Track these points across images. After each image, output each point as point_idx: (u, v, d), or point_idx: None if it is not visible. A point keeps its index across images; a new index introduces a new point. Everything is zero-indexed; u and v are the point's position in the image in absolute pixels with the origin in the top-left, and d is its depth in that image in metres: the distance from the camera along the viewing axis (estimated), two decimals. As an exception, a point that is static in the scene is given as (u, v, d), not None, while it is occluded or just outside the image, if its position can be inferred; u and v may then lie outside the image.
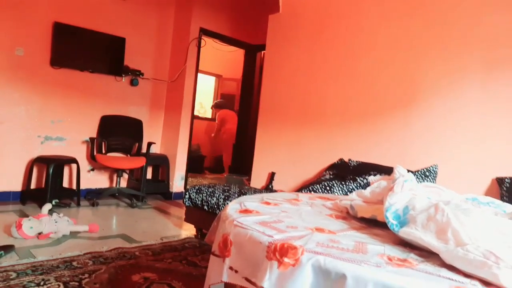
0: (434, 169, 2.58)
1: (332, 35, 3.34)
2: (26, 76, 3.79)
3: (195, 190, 3.06)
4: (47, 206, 3.03)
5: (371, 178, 1.62)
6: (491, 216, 1.22)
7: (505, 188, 2.27)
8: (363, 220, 1.42)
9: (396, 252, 1.06)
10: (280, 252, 1.03)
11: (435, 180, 2.53)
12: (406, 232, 1.12)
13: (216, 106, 7.16)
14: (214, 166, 7.34)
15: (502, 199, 2.21)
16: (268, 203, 1.59)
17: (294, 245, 1.03)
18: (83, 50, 4.13)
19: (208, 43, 4.94)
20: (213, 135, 7.07)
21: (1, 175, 3.72)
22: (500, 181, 2.34)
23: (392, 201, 1.24)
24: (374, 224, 1.36)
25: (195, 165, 6.07)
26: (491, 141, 2.42)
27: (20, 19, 3.70)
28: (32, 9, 3.77)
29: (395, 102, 2.89)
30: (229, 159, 6.63)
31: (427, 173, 2.55)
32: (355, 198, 1.56)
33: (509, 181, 2.28)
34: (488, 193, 2.37)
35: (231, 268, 1.20)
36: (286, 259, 1.01)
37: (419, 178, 2.51)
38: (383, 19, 3.01)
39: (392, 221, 1.18)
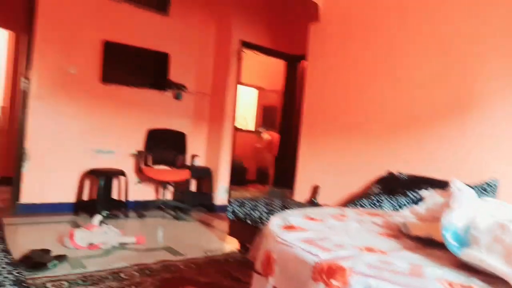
0: (494, 183, 2.37)
1: (376, 42, 3.23)
2: (79, 93, 4.02)
3: (238, 204, 3.04)
4: (98, 217, 3.15)
5: (425, 193, 1.50)
6: None
7: None
8: (417, 239, 1.32)
9: (457, 276, 0.96)
10: (327, 274, 0.97)
11: (495, 195, 2.32)
12: (468, 255, 1.01)
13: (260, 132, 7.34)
14: (256, 179, 7.33)
15: None
16: (312, 219, 1.52)
17: (343, 266, 0.96)
18: (130, 66, 4.32)
19: (249, 55, 4.98)
20: (258, 145, 7.13)
21: (58, 187, 3.94)
22: None
23: (450, 219, 1.13)
24: (429, 244, 1.25)
25: (237, 177, 6.10)
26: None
27: (73, 39, 3.95)
28: (84, 30, 4.02)
29: (448, 109, 2.71)
30: (272, 171, 6.60)
31: (485, 188, 2.35)
32: (408, 215, 1.46)
33: None
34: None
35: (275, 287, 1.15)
36: (333, 281, 0.95)
37: (476, 194, 2.31)
38: (435, 23, 2.85)
39: (451, 242, 1.07)
